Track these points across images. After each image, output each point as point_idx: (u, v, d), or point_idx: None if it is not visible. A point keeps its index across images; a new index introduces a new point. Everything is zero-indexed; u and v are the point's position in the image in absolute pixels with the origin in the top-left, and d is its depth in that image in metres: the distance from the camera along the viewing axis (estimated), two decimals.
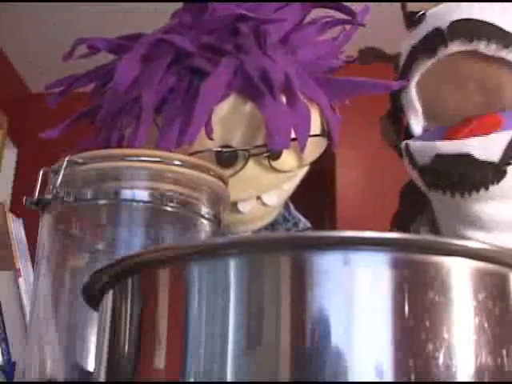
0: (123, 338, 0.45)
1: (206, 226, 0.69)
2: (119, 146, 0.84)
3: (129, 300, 0.45)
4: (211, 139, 0.81)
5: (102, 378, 0.46)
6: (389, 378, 0.38)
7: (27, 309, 0.76)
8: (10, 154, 3.68)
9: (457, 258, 0.41)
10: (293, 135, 0.82)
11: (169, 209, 0.67)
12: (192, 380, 0.40)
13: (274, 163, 0.87)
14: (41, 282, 0.67)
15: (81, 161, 0.67)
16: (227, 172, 0.83)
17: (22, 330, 0.75)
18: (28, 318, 0.73)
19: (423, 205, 1.01)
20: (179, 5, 0.96)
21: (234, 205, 0.87)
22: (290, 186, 0.93)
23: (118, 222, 0.69)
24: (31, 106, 3.76)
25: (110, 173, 0.67)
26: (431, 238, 0.64)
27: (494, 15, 0.89)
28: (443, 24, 0.90)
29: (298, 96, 0.82)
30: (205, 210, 0.69)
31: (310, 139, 0.84)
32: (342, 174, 3.36)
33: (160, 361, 0.42)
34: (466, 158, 0.87)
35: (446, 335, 0.39)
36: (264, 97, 0.80)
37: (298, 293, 0.39)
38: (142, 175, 0.67)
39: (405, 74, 0.95)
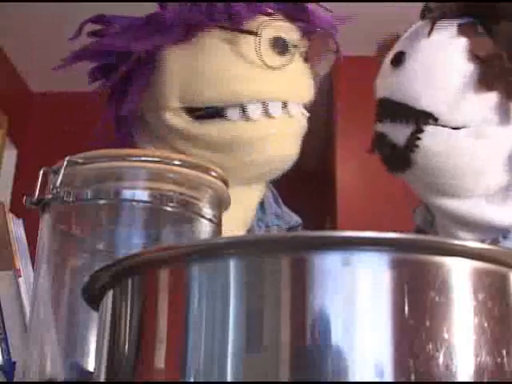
0: (123, 338, 0.45)
1: (206, 225, 0.69)
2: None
3: (129, 300, 0.45)
4: None
5: (102, 378, 0.46)
6: (389, 377, 0.38)
7: (27, 309, 0.76)
8: (10, 155, 3.68)
9: (457, 258, 0.41)
10: None
11: (169, 209, 0.67)
12: (192, 380, 0.40)
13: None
14: (41, 282, 0.67)
15: (81, 161, 0.67)
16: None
17: (22, 330, 0.75)
18: (28, 317, 0.73)
19: None
20: None
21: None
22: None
23: (118, 222, 0.69)
24: (31, 105, 3.76)
25: (110, 173, 0.67)
26: (431, 238, 0.64)
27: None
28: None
29: None
30: (205, 210, 0.69)
31: None
32: (341, 174, 3.36)
33: (160, 361, 0.42)
34: (382, 138, 0.96)
35: (446, 335, 0.39)
36: None
37: (298, 293, 0.39)
38: (142, 175, 0.67)
39: None
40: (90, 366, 0.62)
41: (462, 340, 0.40)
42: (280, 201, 1.10)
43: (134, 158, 0.67)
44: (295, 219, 1.10)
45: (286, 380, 0.38)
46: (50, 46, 3.10)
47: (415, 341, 0.39)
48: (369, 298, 0.39)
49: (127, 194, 0.67)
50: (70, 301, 0.66)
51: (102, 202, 0.67)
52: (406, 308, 0.39)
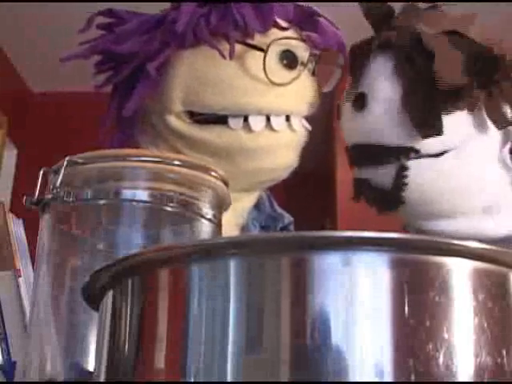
0: (123, 338, 0.45)
1: (206, 226, 0.69)
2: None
3: (129, 300, 0.45)
4: None
5: (102, 378, 0.46)
6: (389, 377, 0.38)
7: (27, 309, 0.76)
8: (10, 155, 3.68)
9: (457, 258, 0.41)
10: None
11: (169, 209, 0.67)
12: (192, 380, 0.40)
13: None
14: (41, 282, 0.67)
15: (81, 161, 0.67)
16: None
17: (22, 330, 0.75)
18: (28, 317, 0.73)
19: None
20: None
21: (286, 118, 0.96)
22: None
23: (118, 222, 0.69)
24: (31, 105, 3.76)
25: (110, 173, 0.67)
26: (431, 238, 0.64)
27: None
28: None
29: None
30: (205, 210, 0.69)
31: None
32: (342, 175, 3.36)
33: (160, 361, 0.42)
34: (366, 184, 0.94)
35: (445, 335, 0.39)
36: None
37: (298, 293, 0.39)
38: (142, 175, 0.67)
39: None
40: (90, 366, 0.62)
41: (462, 340, 0.40)
42: (274, 202, 1.11)
43: (134, 158, 0.67)
44: (287, 218, 1.11)
45: (286, 380, 0.38)
46: (50, 46, 3.10)
47: (415, 341, 0.39)
48: (369, 298, 0.39)
49: (127, 193, 0.67)
50: (70, 301, 0.66)
51: (102, 201, 0.67)
52: (406, 308, 0.39)
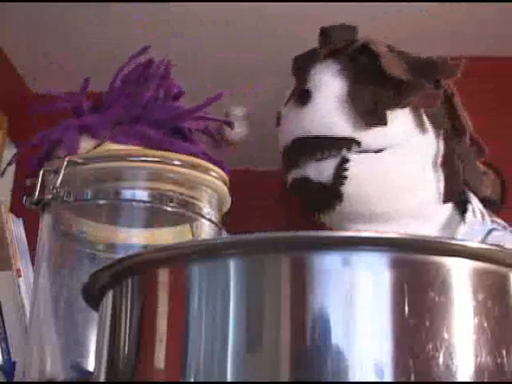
0: (123, 338, 0.45)
1: (206, 226, 0.69)
2: None
3: (129, 300, 0.45)
4: None
5: (102, 378, 0.46)
6: (389, 377, 0.38)
7: (27, 309, 0.76)
8: (10, 154, 3.68)
9: (457, 258, 0.41)
10: None
11: (169, 209, 0.67)
12: (192, 380, 0.40)
13: None
14: (41, 282, 0.67)
15: (81, 161, 0.67)
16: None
17: (22, 329, 0.75)
18: (28, 317, 0.73)
19: None
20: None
21: None
22: None
23: (118, 222, 0.69)
24: (31, 106, 3.76)
25: (110, 173, 0.67)
26: (431, 238, 0.64)
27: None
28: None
29: None
30: (205, 210, 0.69)
31: None
32: None
33: (160, 361, 0.42)
34: (305, 182, 0.92)
35: (445, 335, 0.39)
36: None
37: (298, 293, 0.39)
38: (142, 175, 0.67)
39: None
40: (90, 366, 0.62)
41: (462, 340, 0.40)
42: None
43: (134, 158, 0.67)
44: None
45: (286, 380, 0.38)
46: (51, 47, 3.10)
47: (415, 341, 0.39)
48: (369, 298, 0.39)
49: (127, 194, 0.67)
50: (70, 301, 0.66)
51: (102, 202, 0.67)
52: (406, 308, 0.39)
